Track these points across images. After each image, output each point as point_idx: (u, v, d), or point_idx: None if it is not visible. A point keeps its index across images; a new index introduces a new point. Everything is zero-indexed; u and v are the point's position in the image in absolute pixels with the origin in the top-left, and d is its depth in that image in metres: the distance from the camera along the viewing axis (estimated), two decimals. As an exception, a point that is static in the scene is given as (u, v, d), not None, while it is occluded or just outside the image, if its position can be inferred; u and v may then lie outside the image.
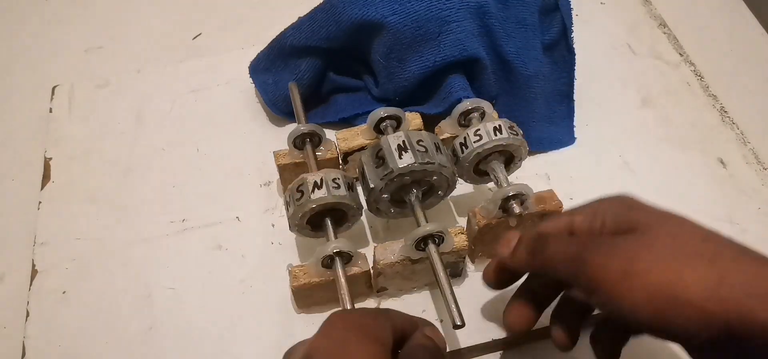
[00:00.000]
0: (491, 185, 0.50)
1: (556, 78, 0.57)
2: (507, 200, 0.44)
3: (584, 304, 0.37)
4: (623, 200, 0.34)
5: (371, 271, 0.45)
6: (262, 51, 0.59)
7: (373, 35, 0.53)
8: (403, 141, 0.44)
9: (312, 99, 0.58)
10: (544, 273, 0.33)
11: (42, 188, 0.55)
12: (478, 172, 0.48)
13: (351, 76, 0.59)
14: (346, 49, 0.55)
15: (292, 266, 0.44)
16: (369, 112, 0.49)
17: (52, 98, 0.61)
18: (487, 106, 0.49)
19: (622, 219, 0.33)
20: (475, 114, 0.49)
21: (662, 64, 0.64)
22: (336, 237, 0.44)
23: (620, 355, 0.37)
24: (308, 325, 0.46)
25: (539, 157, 0.56)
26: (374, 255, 0.44)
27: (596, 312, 0.39)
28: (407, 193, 0.45)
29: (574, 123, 0.57)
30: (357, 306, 0.43)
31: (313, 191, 0.43)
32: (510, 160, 0.48)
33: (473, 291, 0.46)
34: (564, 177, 0.55)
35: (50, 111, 0.60)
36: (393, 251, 0.43)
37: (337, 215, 0.46)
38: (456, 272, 0.48)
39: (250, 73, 0.59)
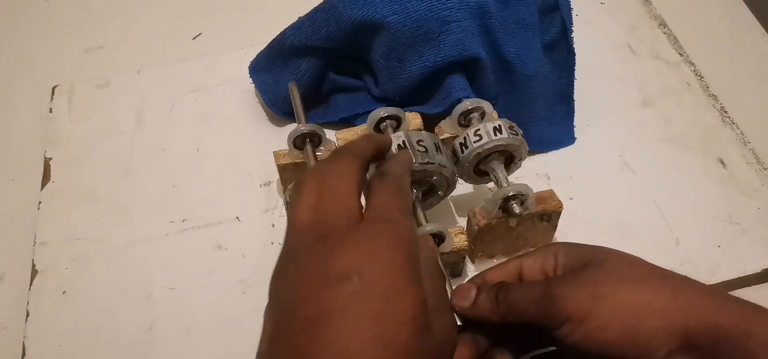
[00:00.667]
0: (491, 185, 0.50)
1: (556, 78, 0.57)
2: (507, 200, 0.44)
3: None
4: (568, 244, 0.37)
5: (371, 271, 0.45)
6: (262, 51, 0.59)
7: (373, 35, 0.53)
8: (403, 141, 0.44)
9: (312, 99, 0.58)
10: (508, 318, 0.34)
11: (42, 188, 0.55)
12: (478, 172, 0.48)
13: (351, 76, 0.58)
14: (346, 49, 0.55)
15: None
16: (369, 112, 0.49)
17: (52, 98, 0.61)
18: (487, 106, 0.49)
19: (575, 257, 0.35)
20: (475, 114, 0.49)
21: (662, 64, 0.64)
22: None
23: None
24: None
25: (539, 157, 0.56)
26: (374, 255, 0.44)
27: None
28: (407, 193, 0.45)
29: (574, 123, 0.57)
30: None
31: (313, 191, 0.43)
32: (510, 160, 0.48)
33: (473, 291, 0.46)
34: (564, 177, 0.55)
35: (50, 111, 0.60)
36: (393, 251, 0.43)
37: (337, 215, 0.45)
38: (456, 272, 0.48)
39: (250, 73, 0.59)
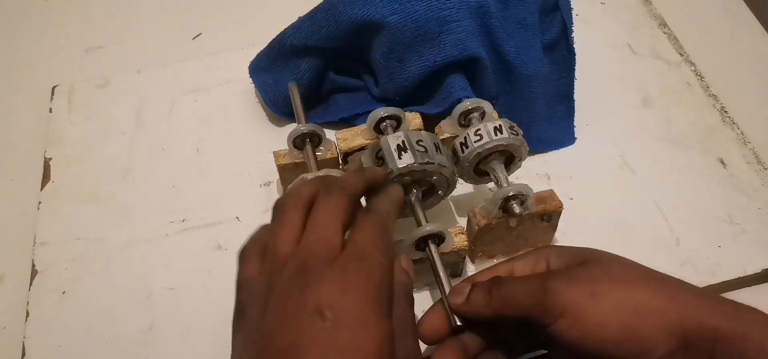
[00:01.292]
0: (491, 185, 0.50)
1: (556, 78, 0.57)
2: (507, 200, 0.44)
3: None
4: (559, 247, 0.37)
5: (371, 271, 0.45)
6: (262, 51, 0.59)
7: (373, 35, 0.53)
8: (403, 141, 0.44)
9: (312, 99, 0.58)
10: (503, 312, 0.34)
11: (42, 188, 0.55)
12: (479, 172, 0.48)
13: (351, 76, 0.58)
14: (346, 49, 0.55)
15: None
16: (369, 112, 0.49)
17: (52, 98, 0.61)
18: (487, 106, 0.49)
19: (568, 257, 0.35)
20: (476, 114, 0.49)
21: (662, 64, 0.64)
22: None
23: None
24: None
25: (539, 157, 0.56)
26: (374, 255, 0.44)
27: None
28: (407, 193, 0.45)
29: (574, 123, 0.57)
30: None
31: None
32: (510, 160, 0.48)
33: (473, 291, 0.46)
34: (564, 177, 0.55)
35: (50, 111, 0.60)
36: (393, 251, 0.43)
37: (337, 215, 0.45)
38: (456, 272, 0.47)
39: (250, 73, 0.59)
